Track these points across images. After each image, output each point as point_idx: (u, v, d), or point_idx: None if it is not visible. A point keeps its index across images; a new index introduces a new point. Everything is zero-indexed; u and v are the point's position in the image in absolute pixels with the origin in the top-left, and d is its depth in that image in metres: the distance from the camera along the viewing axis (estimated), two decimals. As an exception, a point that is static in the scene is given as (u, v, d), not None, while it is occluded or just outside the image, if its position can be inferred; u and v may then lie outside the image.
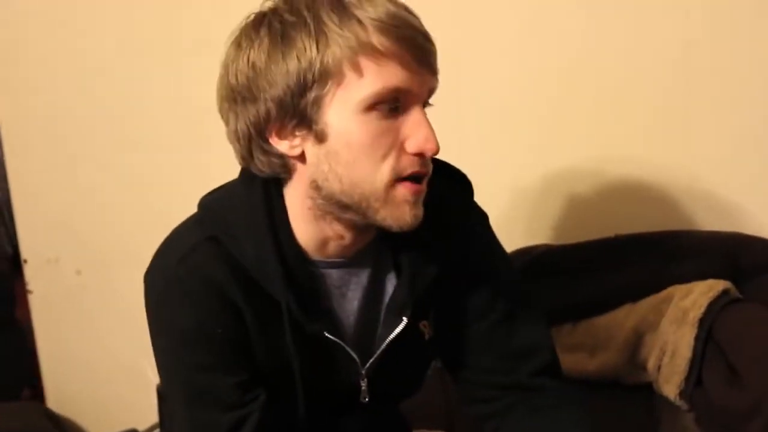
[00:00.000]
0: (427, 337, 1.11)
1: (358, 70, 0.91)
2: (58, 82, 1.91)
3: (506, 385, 1.13)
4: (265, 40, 0.94)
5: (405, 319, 1.04)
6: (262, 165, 0.99)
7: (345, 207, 0.97)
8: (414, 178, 0.96)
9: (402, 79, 0.92)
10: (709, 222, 1.58)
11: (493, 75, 1.66)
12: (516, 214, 1.68)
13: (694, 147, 1.59)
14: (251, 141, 0.98)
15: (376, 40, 0.91)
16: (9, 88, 1.95)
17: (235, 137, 0.99)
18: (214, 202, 1.06)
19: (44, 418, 1.78)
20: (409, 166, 0.95)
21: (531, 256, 1.56)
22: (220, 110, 1.00)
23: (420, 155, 0.95)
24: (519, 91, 1.66)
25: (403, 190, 0.95)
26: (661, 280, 1.45)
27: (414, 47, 0.93)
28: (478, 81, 1.66)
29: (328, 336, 1.02)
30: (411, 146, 0.94)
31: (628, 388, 1.46)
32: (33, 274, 1.98)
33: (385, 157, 0.94)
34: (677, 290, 1.41)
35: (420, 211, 0.98)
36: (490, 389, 1.14)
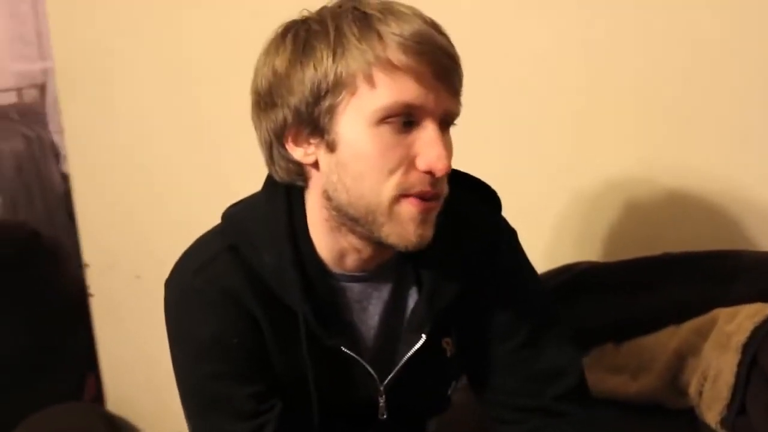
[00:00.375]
0: (449, 354, 1.10)
1: (371, 82, 0.93)
2: (122, 88, 1.97)
3: (530, 408, 1.12)
4: (289, 48, 0.97)
5: (424, 337, 1.04)
6: (281, 171, 1.02)
7: (354, 220, 0.98)
8: (422, 197, 0.95)
9: (416, 94, 0.93)
10: (764, 242, 1.52)
11: (535, 88, 1.64)
12: (562, 231, 1.66)
13: (751, 162, 1.53)
14: (272, 146, 1.01)
15: (393, 55, 0.92)
16: (74, 95, 2.02)
17: (260, 142, 1.02)
18: (236, 213, 1.08)
19: (102, 420, 1.84)
20: (418, 183, 0.95)
21: (574, 272, 1.54)
22: (251, 116, 1.03)
23: (430, 174, 0.95)
24: (566, 105, 1.63)
25: (409, 207, 0.95)
26: (707, 302, 1.41)
27: (433, 64, 0.93)
28: (522, 96, 1.65)
29: (346, 351, 1.03)
30: (421, 163, 0.94)
31: (671, 413, 1.41)
32: (94, 279, 2.05)
33: (392, 171, 0.94)
34: (722, 313, 1.37)
35: (427, 231, 0.97)
36: (515, 411, 1.13)
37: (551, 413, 1.11)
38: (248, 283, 1.01)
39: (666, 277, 1.47)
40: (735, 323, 1.33)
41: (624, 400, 1.43)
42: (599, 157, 1.63)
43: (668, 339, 1.41)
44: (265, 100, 0.99)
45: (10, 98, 3.99)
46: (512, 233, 1.16)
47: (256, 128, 1.03)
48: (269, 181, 1.06)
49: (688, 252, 1.49)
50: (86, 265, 2.02)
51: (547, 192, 1.66)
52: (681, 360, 1.39)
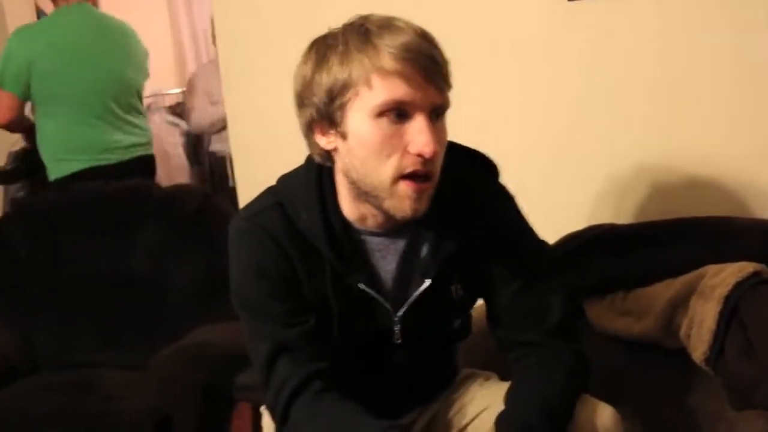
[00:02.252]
0: (454, 296, 1.29)
1: (369, 84, 1.13)
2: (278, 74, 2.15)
3: (523, 341, 1.30)
4: (313, 59, 1.18)
5: (428, 281, 1.25)
6: (315, 154, 1.25)
7: (365, 193, 1.19)
8: (416, 177, 1.15)
9: (405, 92, 1.12)
10: (759, 210, 1.67)
11: (565, 68, 1.82)
12: (597, 197, 1.85)
13: (754, 143, 1.68)
14: (307, 136, 1.23)
15: (386, 62, 1.11)
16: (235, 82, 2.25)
17: (301, 132, 1.24)
18: (284, 179, 1.31)
19: None
20: (411, 165, 1.14)
21: (596, 232, 1.73)
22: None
23: (420, 156, 1.13)
24: (594, 88, 1.80)
25: (405, 187, 1.15)
26: (702, 260, 1.56)
27: (418, 68, 1.12)
28: (551, 77, 1.83)
29: (363, 287, 1.24)
30: (412, 148, 1.13)
31: (668, 351, 1.58)
32: None
33: (390, 155, 1.14)
34: (711, 269, 1.53)
35: (421, 206, 1.17)
36: (512, 343, 1.32)
37: (538, 345, 1.28)
38: (286, 230, 1.23)
39: (669, 238, 1.64)
40: (720, 278, 1.49)
41: (628, 338, 1.63)
42: (627, 142, 1.80)
43: (665, 289, 1.58)
44: (299, 101, 1.21)
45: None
46: (508, 195, 1.33)
47: (298, 121, 1.23)
48: (309, 158, 1.28)
49: (690, 217, 1.66)
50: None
51: (582, 171, 1.85)
52: (674, 307, 1.55)
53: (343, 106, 1.16)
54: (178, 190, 2.69)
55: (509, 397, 1.27)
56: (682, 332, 1.54)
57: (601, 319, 1.68)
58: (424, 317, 1.29)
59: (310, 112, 1.19)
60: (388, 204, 1.18)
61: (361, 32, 1.14)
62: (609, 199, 1.84)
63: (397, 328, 1.30)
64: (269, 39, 2.16)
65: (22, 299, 2.40)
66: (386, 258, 1.28)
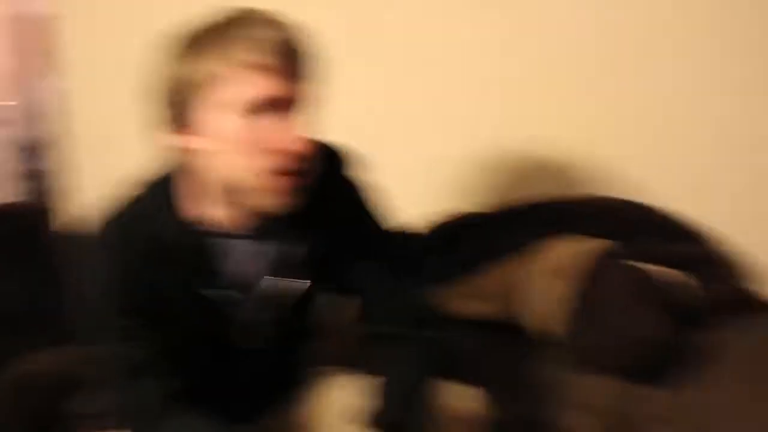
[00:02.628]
0: (310, 293, 1.26)
1: (226, 79, 1.06)
2: None
3: (383, 333, 1.28)
4: (168, 53, 1.10)
5: (279, 282, 1.21)
6: (167, 155, 1.16)
7: (227, 192, 1.13)
8: (280, 172, 1.09)
9: (264, 87, 1.06)
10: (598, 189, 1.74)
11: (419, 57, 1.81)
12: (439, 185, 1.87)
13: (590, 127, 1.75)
14: (158, 136, 1.14)
15: (241, 55, 1.05)
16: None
17: (150, 130, 1.15)
18: (138, 185, 1.22)
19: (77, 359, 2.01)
20: (274, 161, 1.08)
21: (455, 222, 1.75)
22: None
23: (283, 152, 1.08)
24: (445, 77, 1.81)
25: (269, 182, 1.09)
26: (537, 239, 1.59)
27: (275, 61, 1.06)
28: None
29: (213, 292, 1.19)
30: (275, 144, 1.08)
31: (517, 328, 1.58)
32: None
33: (250, 152, 1.08)
34: (553, 246, 1.55)
35: (286, 201, 1.11)
36: (373, 335, 1.30)
37: (398, 336, 1.28)
38: (138, 239, 1.16)
39: (515, 219, 1.69)
40: (562, 253, 1.52)
41: (479, 319, 1.62)
42: (476, 129, 1.81)
43: (510, 269, 1.60)
44: (151, 97, 1.13)
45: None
46: (366, 187, 1.31)
47: (149, 119, 1.15)
48: (159, 160, 1.20)
49: (535, 200, 1.71)
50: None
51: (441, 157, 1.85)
52: (518, 286, 1.57)
53: (197, 103, 1.08)
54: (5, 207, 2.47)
55: (371, 393, 1.25)
56: (530, 308, 1.55)
57: (455, 304, 1.66)
58: (281, 319, 1.25)
59: (162, 109, 1.11)
60: (253, 201, 1.11)
61: (217, 25, 1.08)
62: (439, 188, 1.86)
63: (254, 331, 1.25)
64: (108, 42, 2.07)
65: None
66: (245, 261, 1.22)
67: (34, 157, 3.87)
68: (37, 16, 3.36)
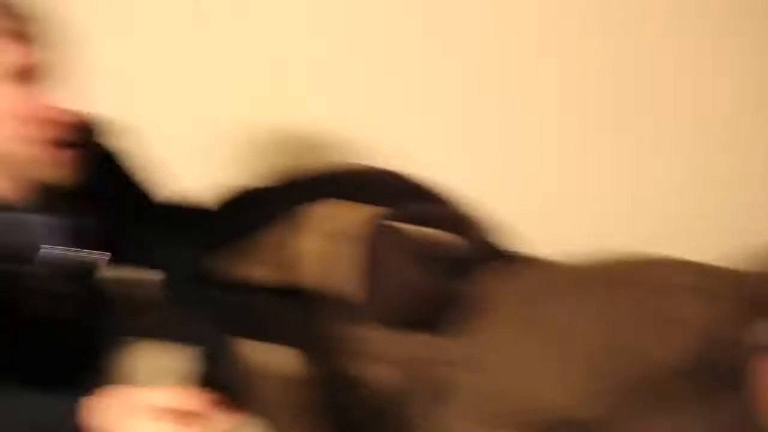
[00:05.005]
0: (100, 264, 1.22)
1: None
2: None
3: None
4: None
5: (77, 251, 1.17)
6: None
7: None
8: (49, 141, 1.06)
9: (15, 54, 1.02)
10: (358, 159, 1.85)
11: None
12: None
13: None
14: None
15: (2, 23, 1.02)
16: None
17: None
18: None
19: None
20: (32, 130, 1.06)
21: (232, 192, 1.77)
22: None
23: (44, 120, 1.06)
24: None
25: (41, 151, 1.07)
26: (314, 204, 1.66)
27: (15, 27, 1.03)
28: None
29: None
30: (30, 111, 1.05)
31: (293, 292, 1.62)
32: None
33: (6, 121, 1.04)
34: (322, 211, 1.63)
35: (62, 171, 1.09)
36: None
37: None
38: None
39: (291, 191, 1.75)
40: (327, 218, 1.61)
41: (261, 282, 1.65)
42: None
43: (281, 232, 1.65)
44: None
45: None
46: (124, 153, 1.30)
47: None
48: None
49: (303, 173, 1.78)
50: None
51: None
52: (291, 250, 1.63)
53: None
54: None
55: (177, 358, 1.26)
56: (306, 271, 1.61)
57: (232, 269, 1.67)
58: (75, 291, 1.21)
59: None
60: (27, 172, 1.08)
61: None
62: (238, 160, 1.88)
63: (49, 304, 1.19)
64: None
65: None
66: (33, 234, 1.16)
67: None
68: None
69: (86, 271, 1.21)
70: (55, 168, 1.08)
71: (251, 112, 1.84)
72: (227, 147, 1.88)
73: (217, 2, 1.77)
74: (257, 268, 1.67)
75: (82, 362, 1.28)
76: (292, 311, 1.63)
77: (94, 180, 1.18)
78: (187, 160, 1.81)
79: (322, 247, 1.60)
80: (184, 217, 1.41)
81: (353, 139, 1.86)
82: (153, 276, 1.30)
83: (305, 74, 1.82)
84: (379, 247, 1.53)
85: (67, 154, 1.09)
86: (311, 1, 1.79)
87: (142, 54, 1.80)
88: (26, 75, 1.04)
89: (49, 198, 1.15)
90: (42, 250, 1.17)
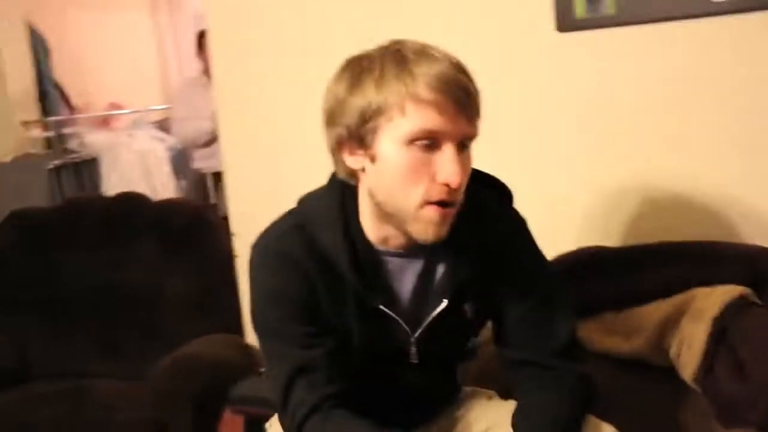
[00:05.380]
0: (468, 316, 1.25)
1: (403, 111, 1.08)
2: (270, 86, 2.06)
3: (531, 361, 1.26)
4: (347, 79, 1.13)
5: (446, 301, 1.21)
6: (341, 172, 1.20)
7: (389, 215, 1.15)
8: (441, 204, 1.11)
9: (437, 122, 1.08)
10: (744, 235, 1.66)
11: (554, 95, 1.81)
12: (586, 219, 1.84)
13: (740, 168, 1.69)
14: (334, 154, 1.19)
15: (422, 90, 1.07)
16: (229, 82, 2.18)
17: (328, 149, 1.20)
18: (305, 199, 1.26)
19: (239, 348, 2.11)
20: (437, 194, 1.11)
21: (586, 254, 1.73)
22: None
23: (447, 186, 1.10)
24: (583, 113, 1.79)
25: (431, 212, 1.11)
26: (689, 282, 1.56)
27: (452, 99, 1.08)
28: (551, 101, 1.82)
29: (383, 308, 1.20)
30: (440, 177, 1.10)
31: (655, 369, 1.58)
32: (239, 244, 2.21)
33: (417, 182, 1.10)
34: (700, 292, 1.52)
35: (443, 231, 1.13)
36: (518, 363, 1.27)
37: (544, 367, 1.25)
38: (308, 253, 1.18)
39: (658, 260, 1.63)
40: (709, 300, 1.48)
41: (618, 356, 1.61)
42: (610, 168, 1.79)
43: (655, 310, 1.57)
44: (329, 119, 1.16)
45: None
46: (522, 221, 1.30)
47: (325, 138, 1.18)
48: (332, 177, 1.24)
49: (677, 241, 1.65)
50: (233, 234, 2.23)
51: (570, 195, 1.84)
52: (664, 328, 1.54)
53: (374, 130, 1.11)
54: (170, 203, 2.65)
55: (518, 421, 1.24)
56: (672, 351, 1.53)
57: (590, 338, 1.65)
58: (439, 337, 1.25)
59: (340, 131, 1.14)
60: (412, 227, 1.13)
61: (398, 58, 1.10)
62: (596, 222, 1.83)
63: (413, 348, 1.25)
64: (263, 53, 2.10)
65: (16, 309, 2.32)
66: (403, 278, 1.24)
67: (190, 158, 4.13)
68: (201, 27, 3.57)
69: (455, 322, 1.25)
70: (434, 227, 1.13)
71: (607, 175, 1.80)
72: (577, 210, 1.84)
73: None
74: (614, 339, 1.63)
75: (422, 403, 1.36)
76: (639, 388, 1.57)
77: (475, 233, 1.21)
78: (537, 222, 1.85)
79: (692, 329, 1.50)
80: (554, 282, 1.32)
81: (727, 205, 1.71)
82: (505, 331, 1.29)
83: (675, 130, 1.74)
84: (747, 333, 1.41)
85: (448, 215, 1.13)
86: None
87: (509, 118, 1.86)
88: (441, 141, 1.09)
89: (428, 247, 1.19)
90: (415, 297, 1.24)
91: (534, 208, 1.75)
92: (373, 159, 1.13)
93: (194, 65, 4.10)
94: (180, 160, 4.32)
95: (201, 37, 3.74)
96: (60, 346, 2.27)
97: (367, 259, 1.21)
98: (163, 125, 4.52)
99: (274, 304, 1.22)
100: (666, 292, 1.60)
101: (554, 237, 1.76)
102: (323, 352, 1.20)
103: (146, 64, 5.31)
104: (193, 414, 1.89)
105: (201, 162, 3.90)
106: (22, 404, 2.04)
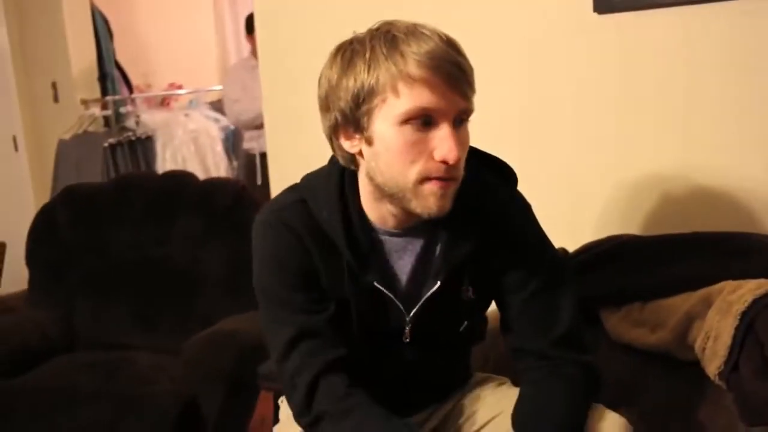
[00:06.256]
0: (465, 299, 1.24)
1: (396, 91, 1.08)
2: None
3: (530, 350, 1.25)
4: (338, 64, 1.13)
5: (439, 282, 1.21)
6: (339, 157, 1.21)
7: (390, 195, 1.15)
8: (440, 178, 1.11)
9: (430, 100, 1.07)
10: None
11: (599, 81, 1.77)
12: (614, 206, 1.79)
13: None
14: (331, 139, 1.19)
15: (412, 69, 1.06)
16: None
17: (325, 135, 1.21)
18: (308, 177, 1.28)
19: None
20: (435, 171, 1.10)
21: (617, 242, 1.68)
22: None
23: (444, 162, 1.09)
24: (613, 99, 1.74)
25: (430, 186, 1.11)
26: (719, 274, 1.50)
27: (444, 76, 1.07)
28: (586, 88, 1.78)
29: (378, 286, 1.21)
30: (437, 155, 1.10)
31: (680, 363, 1.53)
32: None
33: (414, 161, 1.10)
34: (728, 285, 1.46)
35: (446, 204, 1.12)
36: (519, 351, 1.27)
37: (545, 356, 1.24)
38: (307, 226, 1.20)
39: (690, 251, 1.58)
40: (737, 294, 1.42)
41: (642, 348, 1.57)
42: (643, 155, 1.74)
43: (682, 303, 1.52)
44: (324, 104, 1.17)
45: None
46: (526, 204, 1.28)
47: (322, 124, 1.19)
48: (331, 160, 1.25)
49: (709, 232, 1.59)
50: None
51: (599, 180, 1.79)
52: (690, 321, 1.49)
53: (368, 112, 1.11)
54: (214, 182, 2.68)
55: (517, 417, 1.22)
56: (697, 345, 1.47)
57: (615, 329, 1.62)
58: (433, 318, 1.25)
59: (335, 116, 1.15)
60: (414, 204, 1.14)
61: (388, 39, 1.10)
62: (623, 210, 1.79)
63: (407, 327, 1.25)
64: (308, 38, 2.11)
65: (65, 280, 2.41)
66: (402, 258, 1.25)
67: (242, 139, 4.18)
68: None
69: (455, 302, 1.24)
70: (436, 203, 1.12)
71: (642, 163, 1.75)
72: (606, 197, 1.80)
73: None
74: (638, 330, 1.58)
75: (425, 386, 1.35)
76: (661, 381, 1.53)
77: (477, 213, 1.21)
78: (563, 208, 1.78)
79: (718, 323, 1.44)
80: (565, 269, 1.32)
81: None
82: (512, 318, 1.28)
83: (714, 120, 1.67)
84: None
85: (448, 190, 1.12)
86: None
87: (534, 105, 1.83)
88: (436, 118, 1.09)
89: (427, 226, 1.21)
90: (413, 276, 1.24)
91: (561, 195, 1.73)
92: (369, 142, 1.14)
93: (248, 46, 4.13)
94: (233, 141, 4.38)
95: (250, 19, 3.76)
96: (103, 317, 2.35)
97: (364, 237, 1.22)
98: (218, 106, 4.58)
99: (275, 272, 1.23)
100: (694, 285, 1.54)
101: (579, 226, 1.76)
102: (325, 317, 1.21)
103: (206, 44, 5.38)
104: (225, 389, 1.93)
105: (250, 143, 3.93)
106: (64, 373, 2.12)
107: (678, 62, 1.68)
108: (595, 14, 1.74)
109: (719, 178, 1.67)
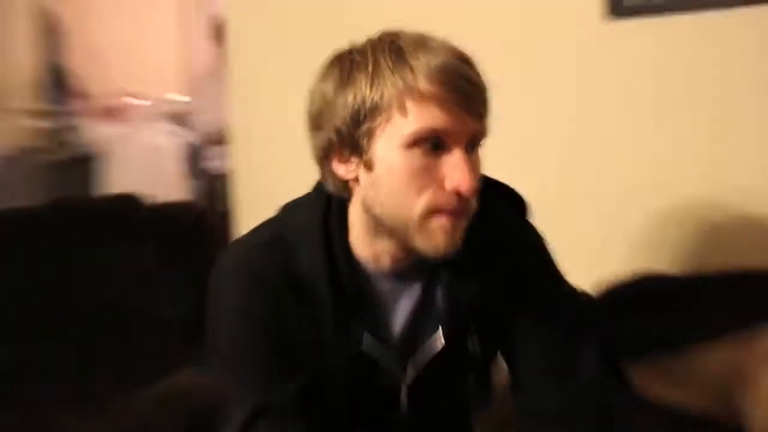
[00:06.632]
0: (471, 351, 1.08)
1: (403, 109, 0.95)
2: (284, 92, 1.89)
3: (545, 411, 1.08)
4: (335, 76, 0.99)
5: (442, 341, 1.05)
6: (330, 184, 1.05)
7: (389, 229, 1.00)
8: (450, 212, 0.97)
9: (442, 121, 0.94)
10: None
11: (619, 106, 1.63)
12: (638, 239, 1.62)
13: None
14: (322, 163, 1.04)
15: (422, 85, 0.94)
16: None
17: (313, 158, 1.04)
18: (287, 208, 1.11)
19: None
20: (445, 203, 0.96)
21: (640, 282, 1.49)
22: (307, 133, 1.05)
23: (456, 193, 0.96)
24: (644, 125, 1.60)
25: (439, 220, 0.97)
26: (755, 319, 1.32)
27: (457, 92, 0.95)
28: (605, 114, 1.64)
29: (367, 339, 1.04)
30: (448, 184, 0.96)
31: (721, 427, 1.32)
32: None
33: (422, 191, 0.96)
34: None
35: (456, 240, 0.98)
36: (533, 413, 1.10)
37: (562, 419, 1.06)
38: (281, 273, 1.03)
39: (722, 292, 1.41)
40: None
41: (672, 406, 1.37)
42: (671, 180, 1.58)
43: (716, 353, 1.34)
44: (314, 122, 1.02)
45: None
46: (539, 236, 1.14)
47: (310, 145, 1.04)
48: (317, 186, 1.09)
49: (745, 269, 1.42)
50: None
51: (624, 209, 1.63)
52: (729, 376, 1.31)
53: (369, 132, 0.97)
54: (169, 206, 2.41)
55: None
56: (742, 405, 1.28)
57: (642, 386, 1.41)
58: (434, 379, 1.08)
59: (329, 136, 1.00)
60: (418, 241, 0.98)
61: (394, 50, 0.97)
62: (649, 243, 1.61)
63: (403, 389, 1.07)
64: (281, 51, 2.00)
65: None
66: (397, 304, 1.08)
67: (204, 157, 3.90)
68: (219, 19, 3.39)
69: (460, 360, 1.08)
70: (443, 239, 0.97)
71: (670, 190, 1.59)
72: (634, 231, 1.63)
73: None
74: (676, 390, 1.37)
75: None
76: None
77: (485, 253, 1.05)
78: (584, 244, 1.62)
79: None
80: (587, 315, 1.16)
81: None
82: (522, 375, 1.11)
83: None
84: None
85: (458, 225, 0.98)
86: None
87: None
88: (446, 142, 0.96)
89: (422, 266, 1.05)
90: (409, 329, 1.07)
91: (581, 226, 1.58)
92: (368, 166, 0.99)
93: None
94: (195, 158, 4.08)
95: (219, 28, 3.50)
96: (27, 366, 2.01)
97: (351, 281, 1.05)
98: (178, 118, 4.28)
99: (237, 331, 1.05)
100: (731, 330, 1.36)
101: (601, 258, 1.59)
102: (290, 393, 1.02)
103: (165, 50, 5.05)
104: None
105: (211, 161, 3.62)
106: None
107: (696, 70, 1.56)
108: (607, 20, 1.61)
109: (756, 206, 1.51)
